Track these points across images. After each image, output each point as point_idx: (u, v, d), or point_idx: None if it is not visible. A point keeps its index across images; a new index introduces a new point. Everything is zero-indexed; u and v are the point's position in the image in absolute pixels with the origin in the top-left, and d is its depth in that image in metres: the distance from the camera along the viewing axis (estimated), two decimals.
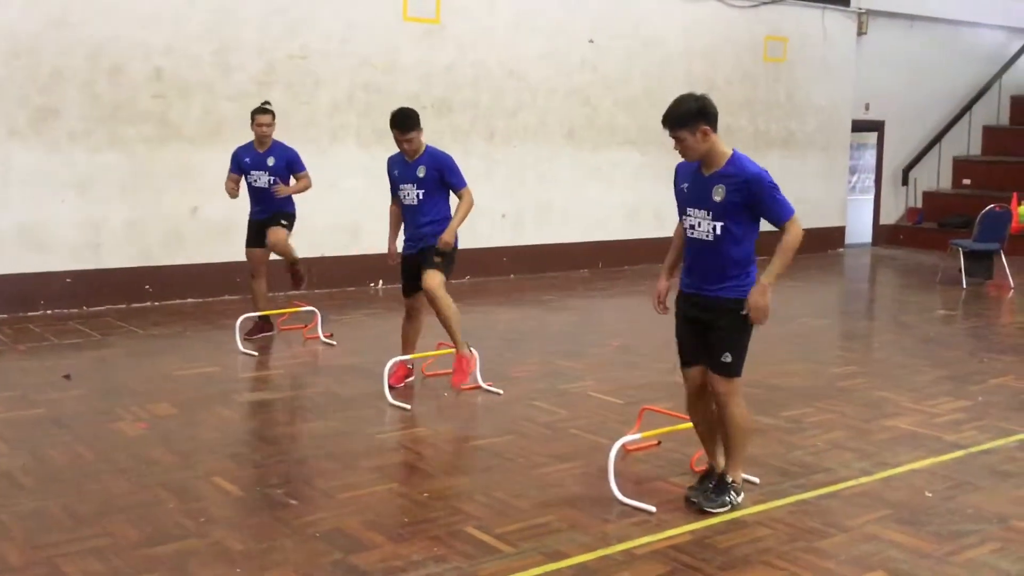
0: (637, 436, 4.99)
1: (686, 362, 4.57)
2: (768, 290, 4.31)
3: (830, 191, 14.86)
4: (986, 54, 16.42)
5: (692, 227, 4.39)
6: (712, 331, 4.40)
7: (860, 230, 15.84)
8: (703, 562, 3.94)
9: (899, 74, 15.36)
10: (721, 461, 4.63)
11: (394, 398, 6.17)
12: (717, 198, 4.29)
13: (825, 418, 5.97)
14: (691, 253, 4.46)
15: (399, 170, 6.30)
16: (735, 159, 4.33)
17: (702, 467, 4.93)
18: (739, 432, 4.50)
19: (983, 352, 8.01)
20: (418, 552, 3.99)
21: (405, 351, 6.56)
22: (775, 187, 4.32)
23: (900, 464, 5.14)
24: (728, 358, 4.40)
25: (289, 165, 7.74)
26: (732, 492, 4.51)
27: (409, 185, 6.22)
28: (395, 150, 6.45)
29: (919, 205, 16.02)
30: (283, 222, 7.79)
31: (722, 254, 4.33)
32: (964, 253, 11.48)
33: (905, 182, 15.99)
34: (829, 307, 10.99)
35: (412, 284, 6.36)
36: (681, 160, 4.46)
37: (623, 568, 3.90)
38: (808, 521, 4.37)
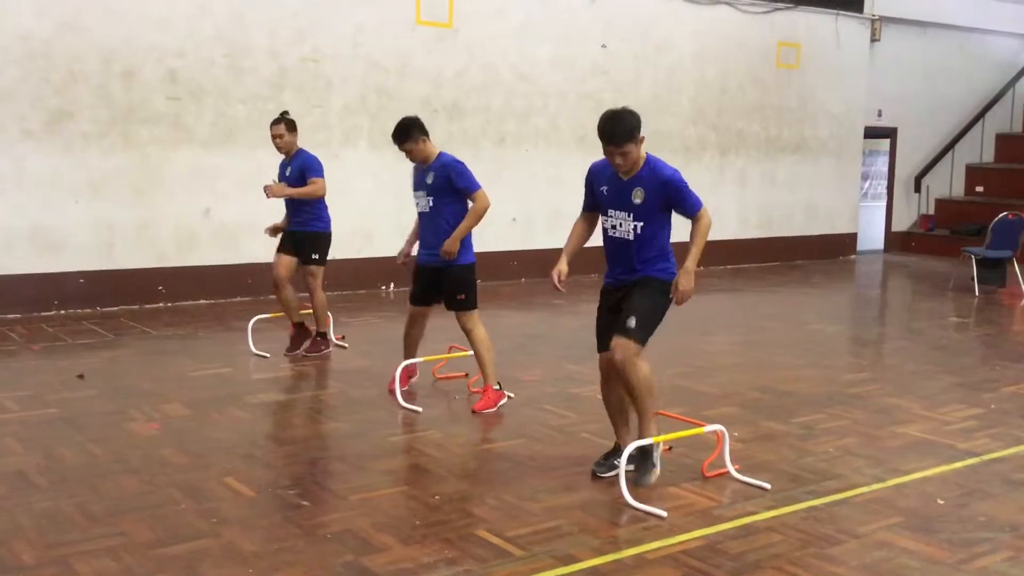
0: (648, 441, 4.98)
1: (600, 348, 4.92)
2: (692, 274, 4.61)
3: (842, 197, 14.84)
4: (999, 61, 16.38)
5: (614, 227, 4.75)
6: (624, 303, 4.73)
7: (872, 237, 15.81)
8: (714, 567, 3.93)
9: (912, 81, 15.34)
10: (627, 439, 4.89)
11: (405, 401, 6.18)
12: (637, 200, 4.65)
13: (837, 424, 5.95)
14: (612, 251, 4.82)
15: (414, 178, 6.28)
16: (650, 162, 4.69)
17: (714, 472, 4.95)
18: (642, 395, 4.68)
19: (996, 360, 7.99)
20: (429, 554, 4.00)
21: (408, 355, 6.51)
22: (686, 184, 4.68)
23: (912, 471, 5.12)
24: (632, 323, 4.63)
25: (303, 172, 7.43)
26: (653, 456, 4.77)
27: (420, 192, 6.19)
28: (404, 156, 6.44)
29: (931, 212, 15.98)
30: (314, 256, 7.46)
31: (642, 250, 4.72)
32: (977, 261, 11.44)
33: (917, 189, 15.95)
34: (841, 313, 10.96)
35: (422, 294, 6.30)
36: (594, 162, 4.84)
37: (634, 572, 3.89)
38: (820, 527, 4.36)
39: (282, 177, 7.55)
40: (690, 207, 4.67)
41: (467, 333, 6.19)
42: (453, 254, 6.04)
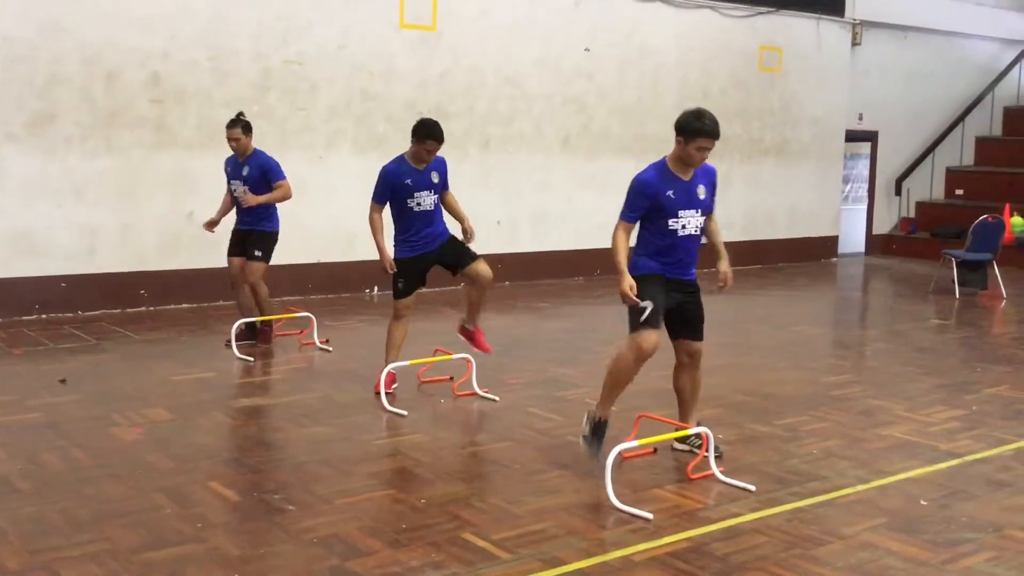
0: (634, 443, 5.01)
1: (658, 325, 4.99)
2: None
3: (823, 200, 14.92)
4: (979, 65, 16.52)
5: (683, 226, 5.02)
6: (692, 307, 5.20)
7: (853, 240, 15.90)
8: (700, 569, 3.95)
9: (893, 84, 15.45)
10: (692, 424, 5.30)
11: (390, 404, 6.18)
12: (702, 196, 5.07)
13: (820, 426, 5.99)
14: (678, 248, 5.07)
15: (412, 179, 6.40)
16: None
17: (699, 474, 4.97)
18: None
19: (977, 362, 8.05)
20: (416, 558, 4.00)
21: (395, 357, 6.54)
22: None
23: (895, 472, 5.16)
24: (702, 328, 5.25)
25: (264, 175, 7.63)
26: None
27: (425, 192, 6.45)
28: (389, 159, 6.56)
29: (912, 215, 16.09)
30: (257, 253, 7.71)
31: (699, 243, 5.16)
32: (957, 263, 11.52)
33: (898, 192, 16.06)
34: (823, 316, 11.02)
35: (418, 286, 6.60)
36: (642, 174, 5.04)
37: (621, 574, 3.91)
38: (804, 529, 4.38)
39: (236, 176, 7.71)
40: (714, 204, 5.21)
41: (490, 281, 6.60)
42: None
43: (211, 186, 9.56)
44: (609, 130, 12.29)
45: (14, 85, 8.69)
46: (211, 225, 7.96)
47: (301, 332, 8.22)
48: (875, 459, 5.38)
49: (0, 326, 8.54)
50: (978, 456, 5.47)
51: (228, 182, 7.84)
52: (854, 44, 14.81)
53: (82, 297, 9.16)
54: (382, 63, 10.60)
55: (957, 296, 11.35)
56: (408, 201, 6.40)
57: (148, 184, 9.39)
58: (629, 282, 4.92)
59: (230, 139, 7.62)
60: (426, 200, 6.42)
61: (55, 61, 8.84)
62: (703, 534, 4.30)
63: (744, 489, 4.82)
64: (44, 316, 8.97)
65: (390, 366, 6.42)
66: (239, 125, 7.61)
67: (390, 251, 6.53)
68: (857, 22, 14.75)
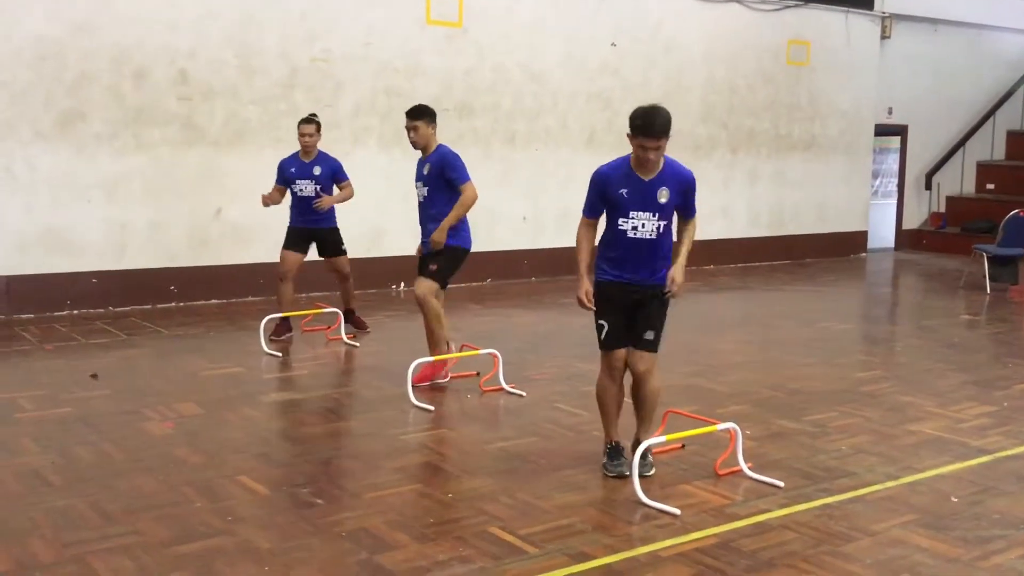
0: (661, 439, 4.99)
1: (616, 344, 4.87)
2: (684, 269, 4.86)
3: (853, 195, 14.81)
4: (1010, 58, 16.32)
5: (635, 228, 4.73)
6: (641, 314, 4.83)
7: (883, 234, 15.77)
8: (728, 565, 3.93)
9: (922, 78, 15.30)
10: (617, 433, 5.05)
11: (417, 399, 6.20)
12: (663, 200, 4.71)
13: (849, 422, 5.95)
14: (630, 250, 4.77)
15: (416, 168, 6.61)
16: (670, 163, 4.77)
17: (727, 470, 4.95)
18: (656, 402, 4.98)
19: (1008, 357, 7.96)
20: (443, 552, 4.01)
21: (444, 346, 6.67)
22: None
23: (925, 469, 5.12)
24: (651, 336, 4.85)
25: (333, 174, 7.92)
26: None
27: (419, 183, 6.54)
28: (415, 154, 6.66)
29: (942, 210, 15.93)
30: (344, 248, 8.17)
31: (661, 248, 4.80)
32: (988, 258, 11.40)
33: (928, 186, 15.90)
34: (852, 311, 10.93)
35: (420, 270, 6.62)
36: (602, 167, 4.80)
37: (648, 570, 3.90)
38: (833, 525, 4.36)
39: (303, 175, 7.83)
40: (694, 209, 4.91)
41: (420, 305, 6.49)
42: (441, 244, 6.38)
43: (239, 182, 9.66)
44: None
45: (44, 83, 8.79)
46: (269, 201, 7.93)
47: (328, 328, 8.26)
48: (905, 455, 5.34)
49: (32, 322, 8.65)
50: (1009, 452, 5.41)
51: (291, 182, 7.83)
52: (883, 37, 14.68)
53: (112, 293, 9.25)
54: (408, 60, 10.62)
55: (988, 291, 11.23)
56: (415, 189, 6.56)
57: (177, 181, 9.47)
58: (585, 288, 4.79)
59: (304, 135, 7.75)
60: (419, 191, 6.53)
61: (84, 60, 8.93)
62: (731, 530, 4.28)
63: (772, 485, 4.80)
64: (75, 312, 9.07)
65: (417, 361, 6.42)
66: (314, 123, 7.80)
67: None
68: (886, 15, 14.61)
